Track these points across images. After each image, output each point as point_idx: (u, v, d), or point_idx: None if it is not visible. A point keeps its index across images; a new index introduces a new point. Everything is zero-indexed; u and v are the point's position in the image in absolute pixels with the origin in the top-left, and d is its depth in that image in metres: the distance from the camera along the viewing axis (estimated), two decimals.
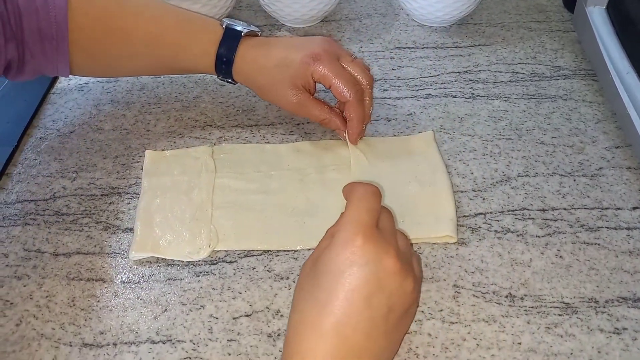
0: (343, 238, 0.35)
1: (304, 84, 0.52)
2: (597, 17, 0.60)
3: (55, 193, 0.52)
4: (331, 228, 0.38)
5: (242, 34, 0.53)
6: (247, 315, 0.43)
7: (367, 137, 0.56)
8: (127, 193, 0.52)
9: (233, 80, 0.55)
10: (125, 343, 0.42)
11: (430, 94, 0.61)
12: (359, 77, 0.52)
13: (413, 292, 0.36)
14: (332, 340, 0.33)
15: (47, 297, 0.45)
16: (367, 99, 0.53)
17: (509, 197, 0.51)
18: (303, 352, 0.33)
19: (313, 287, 0.35)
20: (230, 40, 0.53)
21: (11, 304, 0.44)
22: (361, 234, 0.34)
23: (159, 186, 0.51)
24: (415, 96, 0.61)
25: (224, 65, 0.53)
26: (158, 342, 0.42)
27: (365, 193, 0.37)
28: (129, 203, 0.51)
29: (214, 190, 0.51)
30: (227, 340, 0.42)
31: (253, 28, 0.54)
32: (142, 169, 0.54)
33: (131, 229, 0.49)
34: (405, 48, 0.68)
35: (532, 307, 0.43)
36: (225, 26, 0.53)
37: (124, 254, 0.47)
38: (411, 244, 0.39)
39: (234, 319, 0.43)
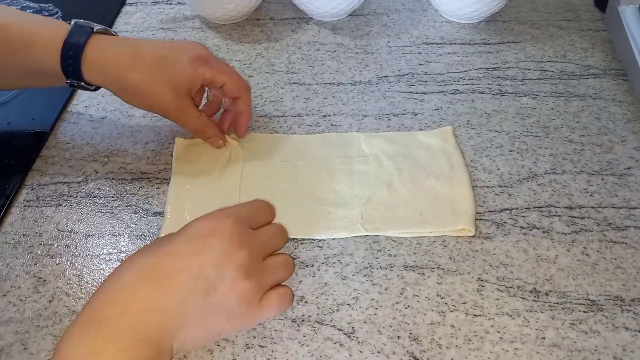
0: (214, 215, 0.39)
1: (189, 87, 0.49)
2: (630, 16, 0.60)
3: (87, 176, 0.53)
4: None
5: (94, 29, 0.48)
6: None
7: (386, 131, 0.56)
8: (157, 178, 0.53)
9: (83, 80, 0.49)
10: None
11: (457, 89, 0.61)
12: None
13: (239, 293, 0.36)
14: (149, 284, 0.35)
15: (78, 275, 0.46)
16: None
17: (535, 194, 0.51)
18: (119, 291, 0.35)
19: (160, 245, 0.37)
20: (79, 33, 0.47)
21: (44, 281, 0.46)
22: (232, 218, 0.38)
23: (189, 172, 0.52)
24: (443, 91, 0.61)
25: (70, 59, 0.47)
26: None
27: (260, 204, 0.43)
28: (158, 188, 0.52)
29: (242, 177, 0.52)
30: None
31: (109, 30, 0.50)
32: (171, 156, 0.55)
33: (160, 213, 0.50)
34: (432, 44, 0.68)
35: (556, 303, 0.43)
36: (74, 22, 0.48)
37: (152, 237, 0.48)
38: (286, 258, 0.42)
39: None
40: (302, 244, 0.48)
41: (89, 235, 0.49)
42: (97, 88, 0.52)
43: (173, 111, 0.50)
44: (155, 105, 0.50)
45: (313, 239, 0.48)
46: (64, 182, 0.53)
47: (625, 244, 0.47)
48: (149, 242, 0.48)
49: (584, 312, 0.43)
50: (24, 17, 0.51)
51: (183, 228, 0.38)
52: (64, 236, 0.49)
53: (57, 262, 0.47)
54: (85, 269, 0.46)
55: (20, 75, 0.52)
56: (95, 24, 0.50)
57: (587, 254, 0.46)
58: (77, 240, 0.48)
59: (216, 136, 0.53)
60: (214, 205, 0.49)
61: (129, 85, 0.48)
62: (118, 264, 0.47)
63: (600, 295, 0.44)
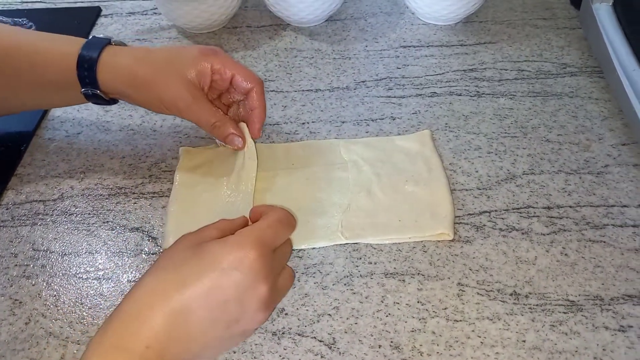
0: (240, 243, 0.36)
1: (199, 77, 0.48)
2: (604, 14, 0.60)
3: (63, 193, 0.53)
4: (231, 224, 0.40)
5: (111, 41, 0.49)
6: None
7: (365, 137, 0.56)
8: (134, 193, 0.52)
9: (99, 90, 0.49)
10: None
11: (435, 92, 0.61)
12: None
13: (258, 322, 0.37)
14: (172, 316, 0.34)
15: (55, 295, 0.45)
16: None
17: (514, 195, 0.51)
18: (140, 317, 0.34)
19: (183, 262, 0.36)
20: (95, 43, 0.48)
21: (20, 302, 0.45)
22: (257, 251, 0.36)
23: (186, 184, 0.52)
24: (420, 94, 0.61)
25: (86, 63, 0.47)
26: None
27: (285, 220, 0.40)
28: (135, 203, 0.52)
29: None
30: None
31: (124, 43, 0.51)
32: (148, 169, 0.54)
33: (137, 229, 0.49)
34: (410, 47, 0.68)
35: (536, 305, 0.43)
36: (92, 36, 0.49)
37: (129, 253, 0.48)
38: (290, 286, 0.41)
39: None
40: None
41: (65, 254, 0.48)
42: (111, 101, 0.51)
43: (185, 103, 0.47)
44: (167, 99, 0.47)
45: (293, 249, 0.48)
46: (40, 200, 0.52)
47: (604, 242, 0.47)
48: (149, 260, 0.48)
49: (564, 313, 0.43)
50: (35, 34, 0.52)
51: (202, 249, 0.36)
52: (40, 256, 0.48)
53: (33, 282, 0.46)
54: (62, 289, 0.46)
55: (35, 93, 0.51)
56: (112, 38, 0.50)
57: (566, 254, 0.46)
58: (53, 260, 0.48)
59: (234, 134, 0.49)
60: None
61: (140, 80, 0.47)
62: (95, 282, 0.46)
63: (579, 295, 0.44)
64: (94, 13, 0.74)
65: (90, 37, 0.49)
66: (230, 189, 0.51)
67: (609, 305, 0.43)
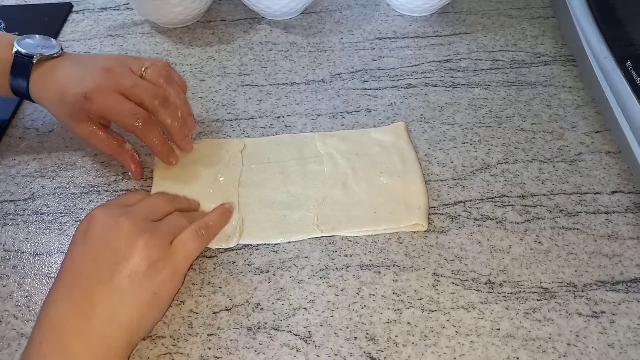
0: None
1: (85, 118, 0.49)
2: (576, 2, 0.60)
3: (34, 193, 0.52)
4: None
5: (34, 60, 0.50)
6: (227, 309, 0.43)
7: (340, 130, 0.56)
8: (107, 191, 0.52)
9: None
10: None
11: (410, 83, 0.61)
12: (147, 99, 0.48)
13: (145, 250, 0.39)
14: (62, 303, 0.38)
15: (27, 296, 0.45)
16: (166, 119, 0.49)
17: (488, 185, 0.51)
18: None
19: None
20: (21, 69, 0.50)
21: None
22: (97, 209, 0.42)
23: (166, 178, 0.52)
24: (396, 86, 0.61)
25: (20, 95, 0.51)
26: None
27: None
28: (108, 201, 0.51)
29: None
30: (207, 334, 0.42)
31: (47, 49, 0.51)
32: (121, 166, 0.53)
33: None
34: (385, 38, 0.67)
35: (510, 293, 0.43)
36: (15, 53, 0.50)
37: None
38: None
39: (214, 313, 0.43)
40: (257, 249, 0.47)
41: (37, 254, 0.47)
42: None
43: (82, 138, 0.51)
44: (71, 131, 0.52)
45: (268, 244, 0.47)
46: (10, 200, 0.51)
47: (577, 229, 0.47)
48: None
49: (538, 300, 0.43)
50: None
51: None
52: (11, 257, 0.47)
53: (4, 284, 0.45)
54: (33, 290, 0.45)
55: None
56: (37, 43, 0.51)
57: (539, 242, 0.47)
58: (24, 260, 0.47)
59: (128, 166, 0.52)
60: None
61: (53, 115, 0.52)
62: None
63: (553, 282, 0.44)
64: (65, 9, 0.73)
65: (14, 53, 0.50)
66: (212, 185, 0.51)
67: (582, 291, 0.43)
